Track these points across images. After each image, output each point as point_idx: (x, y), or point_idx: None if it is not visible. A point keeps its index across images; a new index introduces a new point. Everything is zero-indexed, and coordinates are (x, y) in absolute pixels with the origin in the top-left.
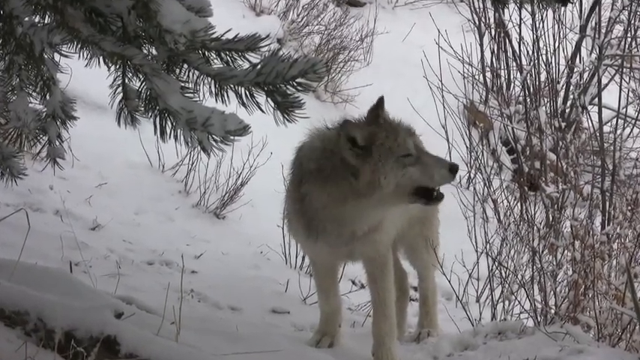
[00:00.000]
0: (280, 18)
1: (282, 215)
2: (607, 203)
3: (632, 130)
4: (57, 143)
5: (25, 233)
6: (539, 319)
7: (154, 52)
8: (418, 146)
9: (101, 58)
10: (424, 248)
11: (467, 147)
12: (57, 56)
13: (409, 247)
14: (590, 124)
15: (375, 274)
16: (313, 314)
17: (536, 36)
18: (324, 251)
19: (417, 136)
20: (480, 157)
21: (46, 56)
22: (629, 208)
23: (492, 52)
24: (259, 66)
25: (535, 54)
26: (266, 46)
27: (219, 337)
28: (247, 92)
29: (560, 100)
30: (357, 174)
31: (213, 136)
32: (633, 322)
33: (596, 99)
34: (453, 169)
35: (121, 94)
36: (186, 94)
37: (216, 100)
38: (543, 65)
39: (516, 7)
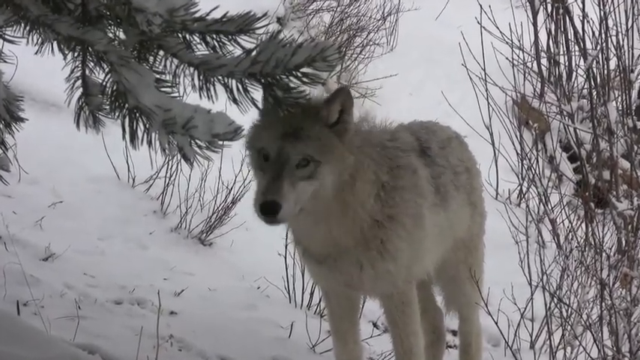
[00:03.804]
0: None
1: (283, 240)
2: None
3: None
4: None
5: None
6: None
7: (122, 35)
8: (284, 159)
9: (55, 44)
10: (468, 281)
11: (517, 153)
12: None
13: (450, 279)
14: None
15: (395, 315)
16: None
17: (604, 12)
18: (325, 277)
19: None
20: (535, 165)
21: None
22: None
23: (549, 34)
24: (255, 52)
25: (602, 35)
26: (263, 27)
27: None
28: (239, 85)
29: (634, 93)
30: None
31: (197, 140)
32: None
33: None
34: (262, 207)
35: (81, 89)
36: (163, 89)
37: (200, 95)
38: (613, 50)
39: None
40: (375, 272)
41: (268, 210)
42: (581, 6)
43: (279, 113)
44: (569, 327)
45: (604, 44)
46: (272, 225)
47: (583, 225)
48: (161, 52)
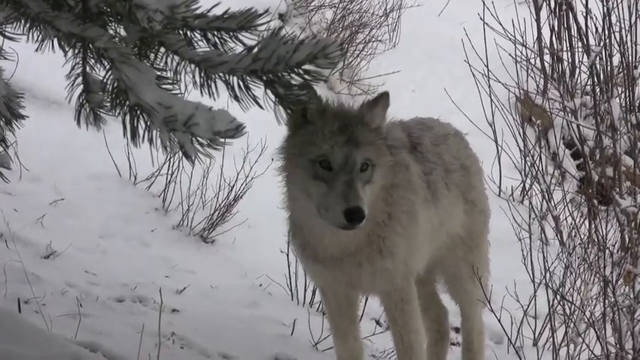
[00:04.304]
0: None
1: (286, 237)
2: None
3: None
4: (0, 149)
5: None
6: None
7: (123, 32)
8: (351, 165)
9: (55, 41)
10: (469, 278)
11: (520, 150)
12: None
13: (450, 277)
14: None
15: (394, 312)
16: None
17: (607, 8)
18: (324, 276)
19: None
20: (538, 162)
21: None
22: None
23: (552, 30)
24: (256, 49)
25: (606, 31)
26: (264, 23)
27: None
28: (241, 82)
29: (638, 89)
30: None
31: (198, 138)
32: None
33: None
34: (348, 214)
35: (81, 86)
36: (164, 86)
37: (201, 92)
38: (616, 46)
39: None
40: (374, 270)
41: (355, 216)
42: (584, 2)
43: (323, 121)
44: (572, 324)
45: (607, 40)
46: (343, 227)
47: (586, 222)
48: (162, 49)
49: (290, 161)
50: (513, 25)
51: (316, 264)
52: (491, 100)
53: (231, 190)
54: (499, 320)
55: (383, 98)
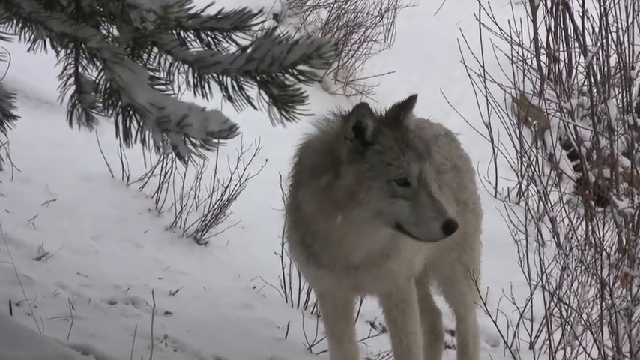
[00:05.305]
0: None
1: (280, 239)
2: None
3: None
4: None
5: None
6: None
7: (116, 32)
8: (425, 178)
9: (48, 41)
10: (463, 280)
11: (517, 151)
12: None
13: (444, 279)
14: None
15: (394, 314)
16: None
17: (604, 9)
18: (327, 281)
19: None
20: (534, 163)
21: None
22: None
23: (548, 30)
24: (250, 49)
25: (603, 32)
26: (258, 23)
27: None
28: (235, 83)
29: (635, 90)
30: (339, 173)
31: (192, 139)
32: None
33: None
34: (447, 227)
35: (74, 86)
36: (157, 86)
37: (195, 93)
38: (613, 46)
39: None
40: (379, 271)
41: (452, 227)
42: (580, 2)
43: (386, 139)
44: (568, 327)
45: (604, 41)
46: (443, 238)
47: (583, 223)
48: (155, 49)
49: (361, 185)
50: (509, 25)
51: (320, 270)
52: (488, 100)
53: (225, 191)
54: (495, 323)
55: (412, 101)
